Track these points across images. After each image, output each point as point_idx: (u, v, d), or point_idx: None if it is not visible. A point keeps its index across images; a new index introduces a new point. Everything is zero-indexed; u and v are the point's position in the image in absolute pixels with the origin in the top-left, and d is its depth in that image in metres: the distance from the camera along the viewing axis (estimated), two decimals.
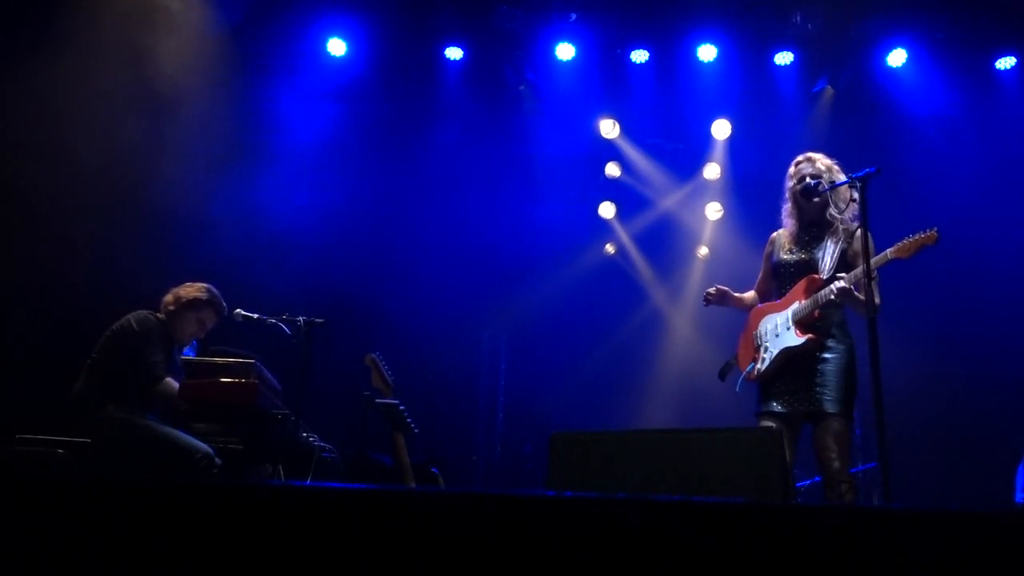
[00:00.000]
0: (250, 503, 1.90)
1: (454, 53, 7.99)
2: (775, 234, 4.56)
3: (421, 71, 8.09)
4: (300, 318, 5.17)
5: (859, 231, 4.22)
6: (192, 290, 4.99)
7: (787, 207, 4.50)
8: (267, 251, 7.45)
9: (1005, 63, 7.76)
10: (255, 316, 5.24)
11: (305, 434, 5.18)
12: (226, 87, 7.28)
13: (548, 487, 2.73)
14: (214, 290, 5.06)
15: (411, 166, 8.22)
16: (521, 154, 8.41)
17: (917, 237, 3.97)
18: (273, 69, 7.80)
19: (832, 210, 4.32)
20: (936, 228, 3.95)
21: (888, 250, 3.98)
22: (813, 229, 4.38)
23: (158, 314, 4.94)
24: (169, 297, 4.99)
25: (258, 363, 4.97)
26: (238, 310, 5.25)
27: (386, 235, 8.12)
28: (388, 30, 7.83)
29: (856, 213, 4.24)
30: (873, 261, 3.85)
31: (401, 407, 4.98)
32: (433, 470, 5.40)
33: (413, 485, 4.89)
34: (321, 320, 5.20)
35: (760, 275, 4.62)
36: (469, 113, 8.27)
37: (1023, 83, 7.78)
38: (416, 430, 5.09)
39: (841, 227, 4.30)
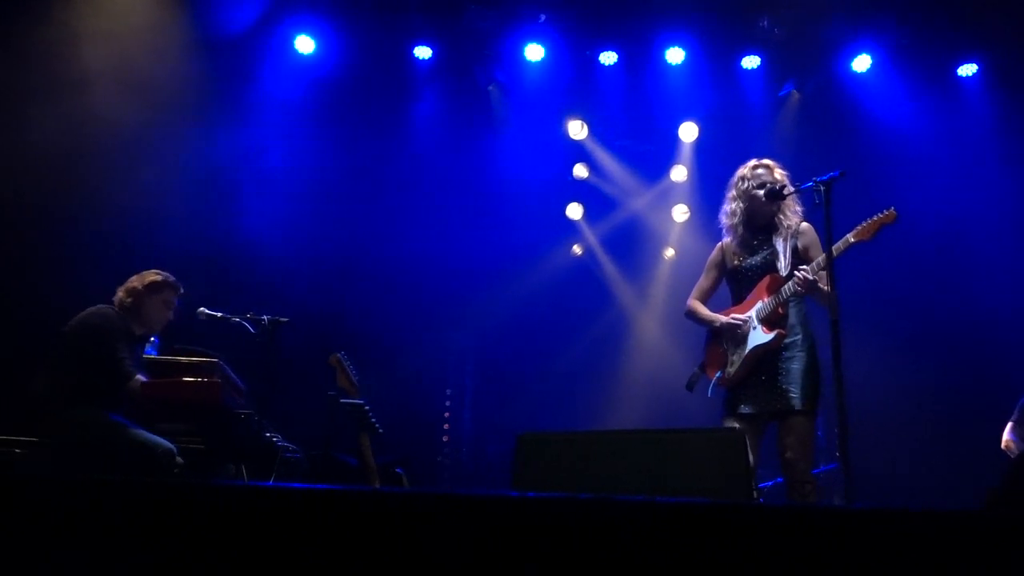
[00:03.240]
0: (212, 503, 1.87)
1: (423, 52, 7.97)
2: (723, 242, 4.59)
3: (390, 70, 8.06)
4: (265, 317, 5.13)
5: (804, 226, 4.30)
6: (145, 277, 4.92)
7: (734, 208, 4.51)
8: (232, 249, 7.38)
9: (967, 70, 7.88)
10: (219, 315, 5.18)
11: (269, 434, 5.14)
12: (190, 79, 7.19)
13: (514, 488, 2.72)
14: (162, 272, 5.00)
15: (379, 165, 8.19)
16: (489, 154, 8.39)
17: (876, 218, 4.04)
18: (241, 68, 7.72)
19: (781, 215, 4.37)
20: (893, 207, 4.01)
21: (848, 234, 4.04)
22: (761, 233, 4.43)
23: (117, 309, 4.87)
24: (122, 293, 4.90)
25: (222, 362, 4.93)
26: (202, 309, 5.20)
27: (353, 234, 8.07)
28: (358, 28, 7.79)
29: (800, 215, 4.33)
30: (834, 247, 3.89)
31: (366, 407, 4.95)
32: (398, 470, 5.38)
33: (378, 486, 4.87)
34: (286, 319, 5.16)
35: (702, 282, 4.64)
36: (438, 112, 8.26)
37: (984, 89, 7.91)
38: (381, 430, 5.07)
39: (786, 226, 4.36)
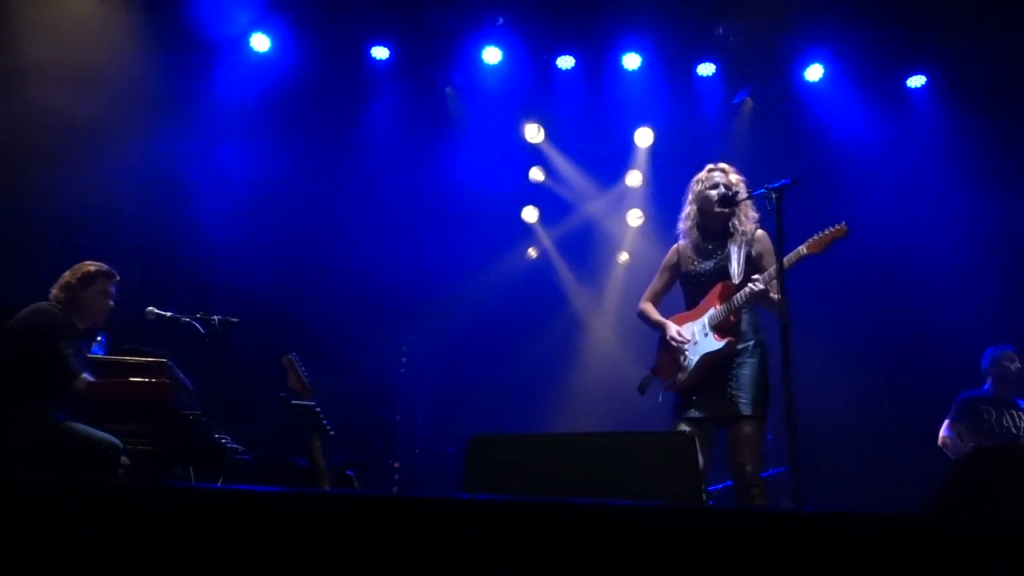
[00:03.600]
0: (158, 506, 1.84)
1: (380, 53, 7.93)
2: (678, 245, 4.63)
3: (347, 69, 8.00)
4: (215, 317, 5.08)
5: (759, 233, 4.35)
6: (77, 270, 4.84)
7: (689, 211, 4.56)
8: (183, 249, 7.28)
9: (916, 81, 8.03)
10: (168, 314, 5.12)
11: (218, 436, 5.08)
12: (140, 75, 7.08)
13: (465, 490, 2.72)
14: (95, 262, 4.91)
15: (334, 164, 8.13)
16: (446, 157, 8.37)
17: (828, 232, 4.10)
18: (194, 64, 7.62)
19: (735, 221, 4.42)
20: (844, 222, 4.08)
21: (801, 246, 4.10)
22: (715, 238, 4.47)
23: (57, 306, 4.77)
24: (56, 289, 4.80)
25: (171, 363, 4.86)
26: (151, 308, 5.13)
27: (307, 234, 8.00)
28: (314, 28, 7.73)
29: (755, 221, 4.39)
30: (786, 259, 3.95)
31: (317, 409, 4.92)
32: (349, 473, 5.35)
33: (328, 488, 4.83)
34: (237, 320, 5.11)
35: (655, 284, 4.67)
36: (394, 114, 8.21)
37: (933, 101, 8.07)
38: (333, 432, 5.04)
39: (740, 232, 4.41)
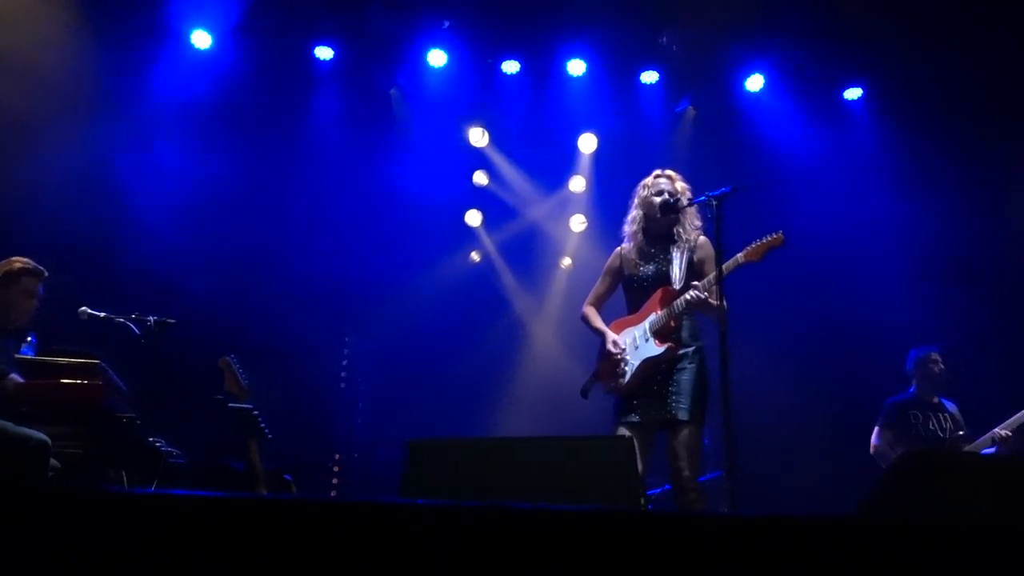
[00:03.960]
0: (89, 510, 1.80)
1: (324, 53, 7.85)
2: (620, 249, 4.68)
3: (290, 69, 7.91)
4: (151, 318, 4.98)
5: (702, 240, 4.42)
6: (3, 267, 4.68)
7: (635, 215, 4.62)
8: (118, 248, 7.12)
9: (853, 93, 8.21)
10: (102, 315, 5.00)
11: (152, 439, 4.98)
12: (76, 67, 6.92)
13: (403, 494, 2.71)
14: (21, 258, 4.78)
15: (275, 165, 8.00)
16: (389, 158, 8.32)
17: (765, 240, 4.18)
18: (133, 59, 7.47)
19: (679, 227, 4.48)
20: (781, 231, 4.16)
21: (738, 254, 4.17)
22: (658, 243, 4.53)
23: None
24: None
25: (103, 364, 4.74)
26: (84, 308, 5.01)
27: (246, 234, 7.87)
28: (257, 25, 7.62)
29: (699, 228, 4.46)
30: (724, 266, 4.01)
31: (255, 412, 4.85)
32: (287, 477, 5.28)
33: (265, 492, 4.77)
34: (173, 321, 5.02)
35: (599, 287, 4.72)
36: (338, 114, 8.14)
37: (869, 113, 8.25)
38: (270, 436, 4.97)
39: (684, 238, 4.47)
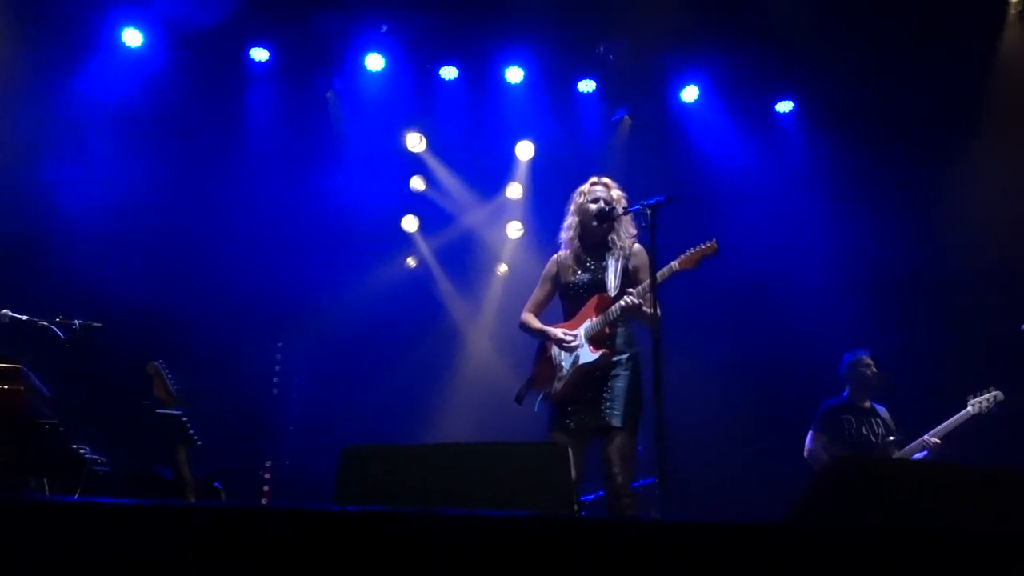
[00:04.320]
0: (6, 520, 1.74)
1: (259, 54, 7.75)
2: (557, 256, 4.71)
3: (224, 70, 7.78)
4: (76, 322, 4.86)
5: (637, 247, 4.46)
6: None
7: (570, 222, 4.65)
8: (42, 250, 6.92)
9: (784, 107, 8.39)
10: (24, 318, 4.86)
11: (76, 446, 4.84)
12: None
13: (336, 502, 2.67)
14: None
15: (208, 166, 7.85)
16: (325, 162, 8.24)
17: (699, 248, 4.24)
18: (59, 54, 7.27)
19: (614, 235, 4.52)
20: (715, 239, 4.23)
21: (673, 262, 4.22)
22: (594, 250, 4.57)
23: None
24: None
25: (25, 368, 4.60)
26: (5, 311, 4.86)
27: (176, 236, 7.70)
28: (191, 25, 7.48)
29: (634, 236, 4.51)
30: (659, 273, 4.06)
31: (184, 418, 4.75)
32: (216, 484, 5.18)
33: (193, 500, 4.68)
34: (99, 324, 4.89)
35: (537, 294, 4.74)
36: (273, 117, 8.03)
37: (799, 126, 8.43)
38: (200, 442, 4.87)
39: (619, 246, 4.51)
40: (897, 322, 7.67)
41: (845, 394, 6.28)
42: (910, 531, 1.97)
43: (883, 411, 6.20)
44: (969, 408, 5.67)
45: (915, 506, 2.57)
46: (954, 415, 5.75)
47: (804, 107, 8.37)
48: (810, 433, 6.19)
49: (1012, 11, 7.44)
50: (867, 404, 6.20)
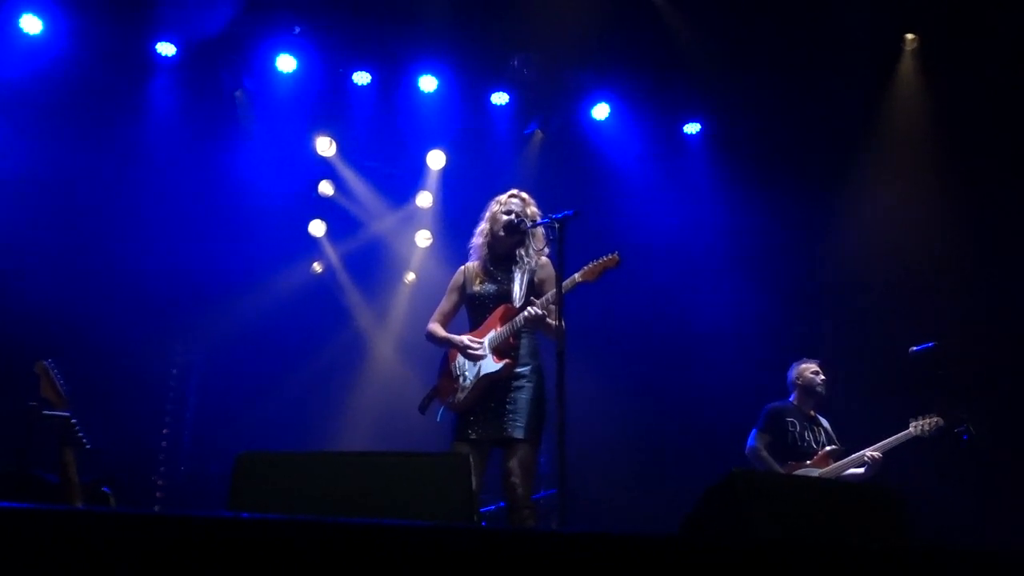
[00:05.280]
0: None
1: (166, 49, 7.54)
2: (465, 267, 4.72)
3: (128, 63, 7.54)
4: None
5: (543, 261, 4.51)
6: None
7: (483, 228, 4.68)
8: None
9: (691, 128, 8.60)
10: None
11: None
12: None
13: (230, 509, 2.61)
14: None
15: (108, 161, 7.59)
16: (231, 162, 8.06)
17: (601, 261, 4.31)
18: None
19: (523, 249, 4.56)
20: (617, 252, 4.30)
21: (575, 274, 4.28)
22: (501, 262, 4.60)
23: None
24: None
25: None
26: None
27: (70, 230, 7.41)
28: (95, 15, 7.24)
29: (542, 250, 4.55)
30: (563, 284, 4.10)
31: (73, 420, 4.58)
32: (105, 489, 5.00)
33: (80, 505, 4.50)
34: None
35: (444, 304, 4.74)
36: (178, 113, 7.82)
37: (706, 147, 8.65)
38: (89, 446, 4.70)
39: (527, 259, 4.55)
40: (801, 332, 7.89)
41: (791, 399, 6.27)
42: (788, 543, 2.04)
43: (825, 422, 6.20)
44: (911, 429, 5.78)
45: (798, 518, 2.66)
46: (895, 434, 5.85)
47: (710, 129, 8.59)
48: (753, 431, 6.09)
49: (907, 48, 7.83)
50: (811, 412, 6.20)
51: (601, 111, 8.34)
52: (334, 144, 8.34)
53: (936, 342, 5.64)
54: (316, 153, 8.30)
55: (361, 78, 7.96)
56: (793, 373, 6.33)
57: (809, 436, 6.04)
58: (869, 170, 8.05)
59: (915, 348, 5.70)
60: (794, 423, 6.06)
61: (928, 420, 5.73)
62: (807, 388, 6.23)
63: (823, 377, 6.25)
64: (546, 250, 4.56)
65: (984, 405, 6.10)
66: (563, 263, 4.02)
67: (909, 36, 7.82)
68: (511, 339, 4.37)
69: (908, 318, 7.41)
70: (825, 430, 6.14)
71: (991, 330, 7.21)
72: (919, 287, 7.63)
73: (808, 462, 5.88)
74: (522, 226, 4.50)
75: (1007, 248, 7.40)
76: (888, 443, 5.81)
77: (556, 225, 4.03)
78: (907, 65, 7.88)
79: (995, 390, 6.96)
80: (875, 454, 5.80)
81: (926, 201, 7.72)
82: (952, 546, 2.29)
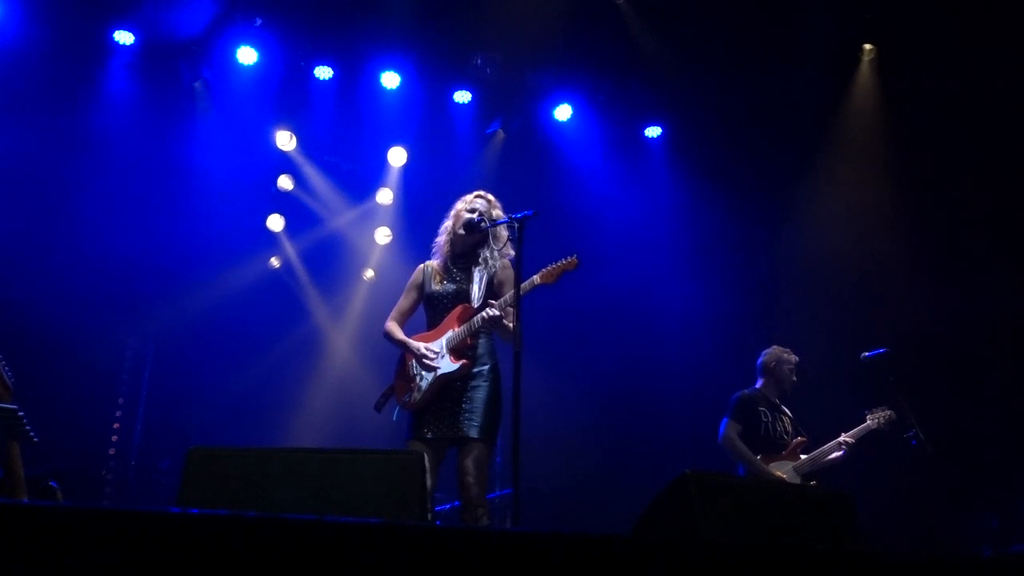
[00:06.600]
0: None
1: (124, 37, 7.42)
2: (424, 265, 4.71)
3: (85, 50, 7.41)
4: None
5: (503, 262, 4.51)
6: None
7: (447, 226, 4.68)
8: None
9: (653, 132, 8.66)
10: None
11: None
12: None
13: (180, 504, 2.58)
14: None
15: (57, 149, 7.41)
16: (190, 154, 7.95)
17: (560, 263, 4.33)
18: None
19: (485, 249, 4.56)
20: (576, 255, 4.31)
21: (535, 276, 4.28)
22: (461, 261, 4.60)
23: None
24: None
25: None
26: None
27: (19, 217, 7.24)
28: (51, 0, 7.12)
29: (503, 252, 4.55)
30: (522, 286, 4.10)
31: (20, 412, 4.49)
32: (52, 484, 4.91)
33: (25, 499, 4.42)
34: None
35: (402, 302, 4.72)
36: (135, 103, 7.69)
37: (666, 150, 8.72)
38: (36, 439, 4.61)
39: (487, 260, 4.55)
40: (757, 332, 7.97)
41: (758, 385, 6.22)
42: (737, 545, 2.07)
43: (789, 412, 6.19)
44: (869, 422, 5.89)
45: (749, 520, 2.69)
46: (853, 428, 5.92)
47: (670, 133, 8.65)
48: (724, 420, 5.99)
49: (865, 57, 7.97)
50: (776, 401, 6.17)
51: (563, 112, 8.36)
52: (294, 138, 8.26)
53: (887, 348, 5.73)
54: (276, 147, 8.21)
55: (323, 72, 7.91)
56: (767, 358, 6.25)
57: (780, 427, 6.03)
58: (825, 173, 8.22)
59: (867, 354, 5.79)
60: (765, 412, 6.02)
61: (883, 413, 5.88)
62: (778, 376, 6.18)
63: (794, 367, 6.17)
64: (509, 251, 4.55)
65: (933, 408, 6.23)
66: (521, 263, 4.02)
67: (867, 46, 7.96)
68: (468, 339, 4.37)
69: (862, 315, 7.57)
70: (791, 419, 6.14)
71: (942, 329, 7.38)
72: (872, 285, 7.81)
73: (782, 454, 5.91)
74: (482, 224, 4.50)
75: (957, 248, 7.59)
76: (854, 433, 5.93)
77: (516, 225, 4.03)
78: (864, 74, 8.02)
79: (947, 390, 7.14)
80: (849, 439, 5.90)
81: (879, 203, 7.91)
82: (898, 551, 2.34)
